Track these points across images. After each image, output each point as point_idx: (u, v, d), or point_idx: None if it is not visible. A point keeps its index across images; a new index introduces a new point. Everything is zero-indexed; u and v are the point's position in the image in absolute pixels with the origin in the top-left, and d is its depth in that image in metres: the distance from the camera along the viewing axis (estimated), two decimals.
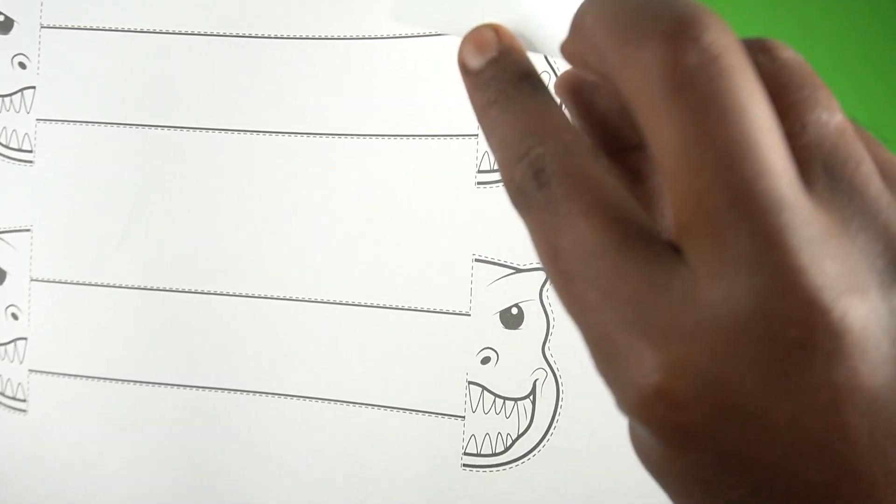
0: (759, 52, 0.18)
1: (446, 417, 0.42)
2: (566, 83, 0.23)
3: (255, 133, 0.45)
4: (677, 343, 0.17)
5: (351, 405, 0.43)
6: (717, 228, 0.16)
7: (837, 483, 0.17)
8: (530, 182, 0.19)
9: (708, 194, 0.16)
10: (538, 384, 0.41)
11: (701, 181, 0.16)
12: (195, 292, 0.46)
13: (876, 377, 0.17)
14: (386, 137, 0.42)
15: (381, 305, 0.42)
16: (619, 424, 0.40)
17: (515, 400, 0.41)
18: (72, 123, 0.48)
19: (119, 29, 0.47)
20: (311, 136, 0.44)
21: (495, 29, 0.21)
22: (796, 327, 0.16)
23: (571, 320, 0.19)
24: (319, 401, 0.44)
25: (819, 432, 0.17)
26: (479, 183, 0.41)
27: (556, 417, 0.41)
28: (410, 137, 0.41)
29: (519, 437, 0.41)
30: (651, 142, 0.17)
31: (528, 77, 0.20)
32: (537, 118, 0.19)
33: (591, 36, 0.18)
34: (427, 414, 0.42)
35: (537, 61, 0.41)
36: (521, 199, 0.19)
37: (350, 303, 0.43)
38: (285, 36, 0.44)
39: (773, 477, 0.17)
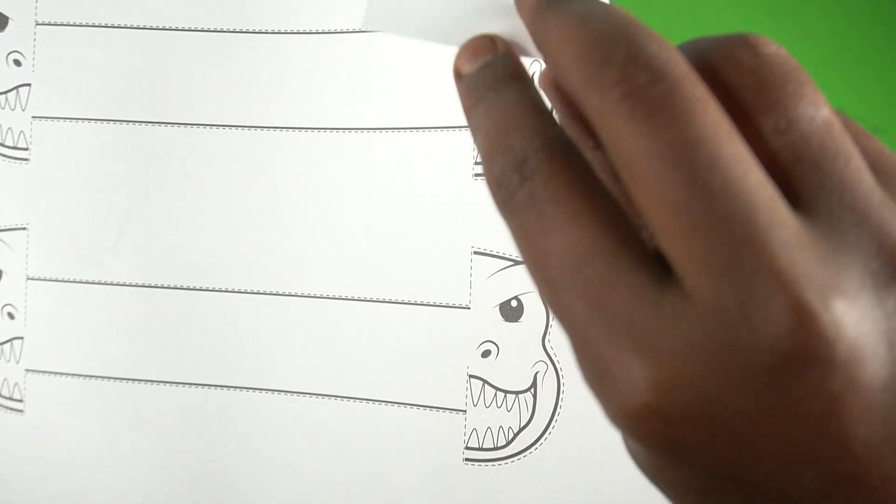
0: (741, 48, 0.18)
1: (448, 412, 0.40)
2: (550, 77, 0.22)
3: (251, 129, 0.43)
4: (668, 359, 0.16)
5: (351, 400, 0.41)
6: (687, 228, 0.16)
7: (833, 490, 0.16)
8: (512, 174, 0.18)
9: (670, 192, 0.16)
10: (539, 377, 0.39)
11: (662, 180, 0.16)
12: (193, 289, 0.44)
13: (872, 382, 0.16)
14: (382, 131, 0.40)
15: (381, 300, 0.41)
16: None
17: (516, 393, 0.40)
18: (67, 120, 0.46)
19: (114, 25, 0.45)
20: (308, 130, 0.42)
21: (492, 38, 0.21)
22: (786, 336, 0.15)
23: (559, 326, 0.18)
24: (319, 397, 0.42)
25: (813, 441, 0.16)
26: (476, 175, 0.39)
27: (558, 410, 0.39)
28: (407, 130, 0.40)
29: (520, 430, 0.39)
30: (614, 158, 0.17)
31: (518, 77, 0.20)
32: (523, 114, 0.19)
33: (556, 59, 0.18)
34: (428, 408, 0.40)
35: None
36: (503, 195, 0.18)
37: (349, 298, 0.41)
38: (281, 31, 0.42)
39: (766, 486, 0.17)
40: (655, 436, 0.17)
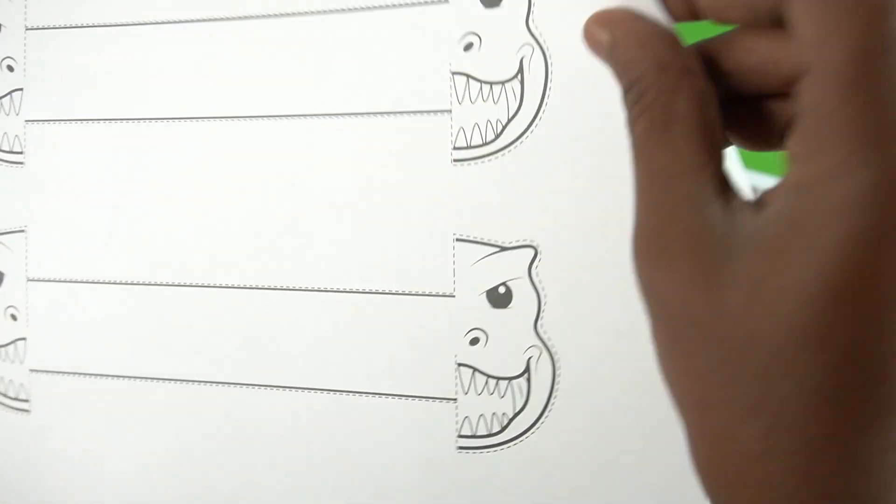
0: None
1: (438, 401, 0.38)
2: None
3: (231, 119, 0.41)
4: (869, 229, 0.17)
5: (339, 394, 0.39)
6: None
7: None
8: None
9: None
10: (532, 362, 0.36)
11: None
12: (183, 286, 0.42)
13: None
14: (356, 116, 0.37)
15: (362, 291, 0.38)
16: (618, 399, 0.35)
17: (509, 379, 0.37)
18: (61, 122, 0.44)
19: (102, 24, 0.43)
20: (280, 118, 0.39)
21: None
22: None
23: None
24: (308, 391, 0.40)
25: None
26: (455, 160, 0.36)
27: (553, 395, 0.36)
28: (381, 115, 0.37)
29: (515, 416, 0.37)
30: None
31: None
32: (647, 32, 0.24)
33: None
34: (418, 399, 0.38)
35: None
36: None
37: (331, 290, 0.38)
38: (254, 16, 0.39)
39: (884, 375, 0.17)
40: (835, 306, 0.16)
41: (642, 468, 0.34)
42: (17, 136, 0.46)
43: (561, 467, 0.36)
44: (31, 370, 0.46)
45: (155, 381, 0.43)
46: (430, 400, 0.37)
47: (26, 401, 0.46)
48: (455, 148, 0.36)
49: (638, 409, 0.34)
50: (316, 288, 0.39)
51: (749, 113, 0.24)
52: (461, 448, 0.37)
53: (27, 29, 0.45)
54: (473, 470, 0.37)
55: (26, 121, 0.45)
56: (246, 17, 0.40)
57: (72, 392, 0.45)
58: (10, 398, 0.46)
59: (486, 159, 0.36)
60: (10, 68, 0.45)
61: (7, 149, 0.46)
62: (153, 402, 0.43)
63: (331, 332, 0.39)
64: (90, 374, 0.44)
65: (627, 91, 0.23)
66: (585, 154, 0.33)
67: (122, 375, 0.44)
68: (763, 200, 0.20)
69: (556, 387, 0.36)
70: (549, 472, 0.36)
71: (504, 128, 0.35)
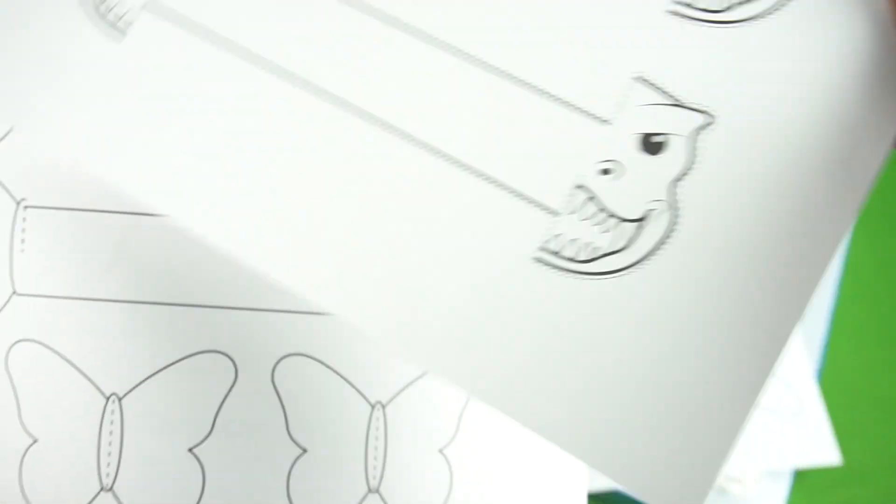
0: None
1: (539, 208, 0.34)
2: None
3: None
4: None
5: (440, 156, 0.35)
6: None
7: None
8: None
9: None
10: (653, 214, 0.33)
11: None
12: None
13: None
14: None
15: (523, 81, 0.35)
16: (715, 285, 0.32)
17: (620, 219, 0.33)
18: None
19: None
20: None
21: None
22: None
23: None
24: (421, 146, 0.36)
25: None
26: (673, 12, 0.34)
27: (655, 253, 0.33)
28: None
29: (607, 254, 0.33)
30: None
31: None
32: None
33: None
34: (519, 195, 0.34)
35: None
36: None
37: (494, 67, 0.36)
38: None
39: None
40: None
41: (713, 348, 0.31)
42: None
43: (626, 324, 0.32)
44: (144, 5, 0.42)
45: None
46: (532, 203, 0.34)
47: (124, 32, 0.42)
48: (678, 2, 0.34)
49: (727, 299, 0.31)
50: (477, 57, 0.36)
51: None
52: (538, 260, 0.34)
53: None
54: (541, 286, 0.33)
55: None
56: None
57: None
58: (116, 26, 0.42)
59: (707, 24, 0.34)
60: None
61: None
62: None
63: (471, 103, 0.35)
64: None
65: None
66: (813, 58, 0.32)
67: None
68: None
69: (661, 248, 0.33)
70: (616, 320, 0.32)
71: (742, 2, 0.33)
